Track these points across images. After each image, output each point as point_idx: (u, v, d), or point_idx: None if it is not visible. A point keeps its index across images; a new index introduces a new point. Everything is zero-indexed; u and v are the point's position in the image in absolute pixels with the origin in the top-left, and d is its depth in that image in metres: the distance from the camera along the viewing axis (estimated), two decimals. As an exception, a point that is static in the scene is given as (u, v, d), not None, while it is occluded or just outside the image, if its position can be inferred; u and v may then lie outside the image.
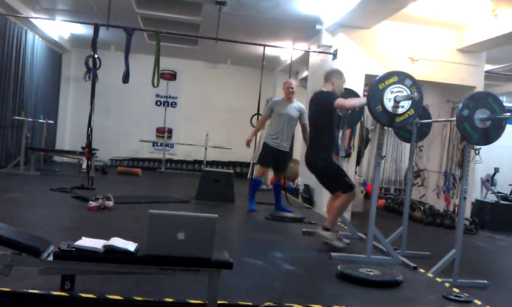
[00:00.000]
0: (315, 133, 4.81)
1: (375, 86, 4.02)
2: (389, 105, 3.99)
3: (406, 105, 4.01)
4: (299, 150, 9.87)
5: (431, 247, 5.48)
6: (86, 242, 2.59)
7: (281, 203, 6.65)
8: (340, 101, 4.55)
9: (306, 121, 6.11)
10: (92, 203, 5.50)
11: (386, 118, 4.06)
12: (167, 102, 12.30)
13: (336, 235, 4.59)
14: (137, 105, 12.12)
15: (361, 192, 8.99)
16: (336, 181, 4.64)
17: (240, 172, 11.81)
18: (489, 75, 9.05)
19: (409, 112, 4.04)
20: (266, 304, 2.85)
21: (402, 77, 4.05)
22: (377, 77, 4.08)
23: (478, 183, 9.70)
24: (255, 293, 3.13)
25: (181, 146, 12.02)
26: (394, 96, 3.99)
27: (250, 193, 6.56)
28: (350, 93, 5.35)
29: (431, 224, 7.71)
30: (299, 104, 6.43)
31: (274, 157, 6.31)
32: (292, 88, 6.30)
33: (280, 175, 6.54)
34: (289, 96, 6.31)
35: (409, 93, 3.99)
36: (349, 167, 7.40)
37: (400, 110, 4.02)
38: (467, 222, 7.23)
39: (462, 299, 3.30)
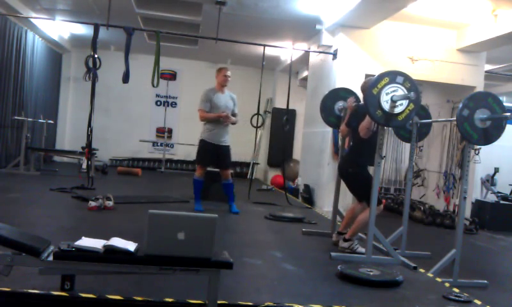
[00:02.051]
0: (356, 141, 4.75)
1: (369, 92, 4.02)
2: (387, 106, 3.99)
3: (404, 102, 4.01)
4: (299, 150, 9.87)
5: (431, 247, 5.48)
6: (86, 242, 2.59)
7: (234, 204, 6.19)
8: (361, 129, 4.50)
9: (237, 112, 6.07)
10: (92, 203, 5.50)
11: (388, 120, 4.06)
12: (167, 102, 12.30)
13: (356, 242, 4.58)
14: (137, 105, 12.11)
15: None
16: (363, 193, 4.61)
17: (240, 172, 11.80)
18: (489, 75, 9.06)
19: (409, 107, 4.03)
20: (266, 304, 2.85)
21: (393, 76, 4.04)
22: (370, 83, 4.09)
23: (478, 183, 9.70)
24: (255, 293, 3.13)
25: (181, 146, 12.02)
26: (390, 97, 3.98)
27: (194, 194, 6.12)
28: (349, 93, 5.33)
29: (431, 224, 7.71)
30: (231, 93, 6.05)
31: (214, 154, 5.89)
32: (229, 76, 5.91)
33: (226, 173, 6.05)
34: (225, 84, 5.90)
35: (404, 89, 3.99)
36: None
37: (399, 109, 4.02)
38: (467, 222, 7.23)
39: (462, 299, 3.30)
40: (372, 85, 4.03)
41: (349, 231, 4.63)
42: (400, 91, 4.01)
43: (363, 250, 4.44)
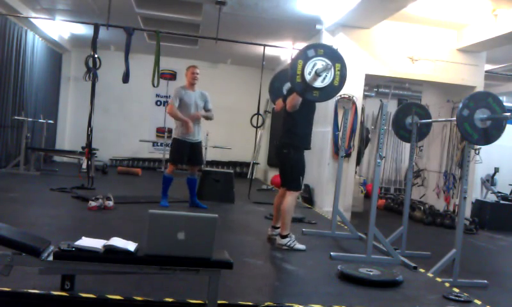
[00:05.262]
0: (289, 122, 4.55)
1: (294, 84, 4.04)
2: (318, 83, 3.99)
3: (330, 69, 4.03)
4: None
5: (431, 247, 5.48)
6: (86, 242, 2.59)
7: (196, 198, 6.31)
8: (288, 102, 4.43)
9: (211, 108, 6.14)
10: (92, 203, 5.50)
11: (329, 92, 4.09)
12: (167, 102, 12.29)
13: (294, 237, 4.50)
14: (137, 105, 12.11)
15: (361, 192, 8.99)
16: (291, 176, 4.49)
17: (240, 172, 11.81)
18: (489, 75, 9.06)
19: (337, 69, 4.02)
20: (266, 304, 2.85)
21: (304, 56, 4.03)
22: (290, 77, 4.06)
23: (478, 183, 9.70)
24: (255, 293, 3.14)
25: (181, 146, 12.01)
26: (314, 72, 3.97)
27: (162, 190, 6.09)
28: None
29: (431, 224, 7.71)
30: (201, 91, 6.12)
31: (188, 152, 5.99)
32: (198, 74, 6.03)
33: (195, 168, 6.19)
34: (194, 82, 5.99)
35: (322, 59, 3.98)
36: (349, 167, 7.40)
37: (330, 76, 4.01)
38: (467, 222, 7.23)
39: (462, 299, 3.30)
40: (292, 76, 4.01)
41: (280, 226, 4.50)
42: (319, 62, 3.98)
43: (301, 246, 4.41)
